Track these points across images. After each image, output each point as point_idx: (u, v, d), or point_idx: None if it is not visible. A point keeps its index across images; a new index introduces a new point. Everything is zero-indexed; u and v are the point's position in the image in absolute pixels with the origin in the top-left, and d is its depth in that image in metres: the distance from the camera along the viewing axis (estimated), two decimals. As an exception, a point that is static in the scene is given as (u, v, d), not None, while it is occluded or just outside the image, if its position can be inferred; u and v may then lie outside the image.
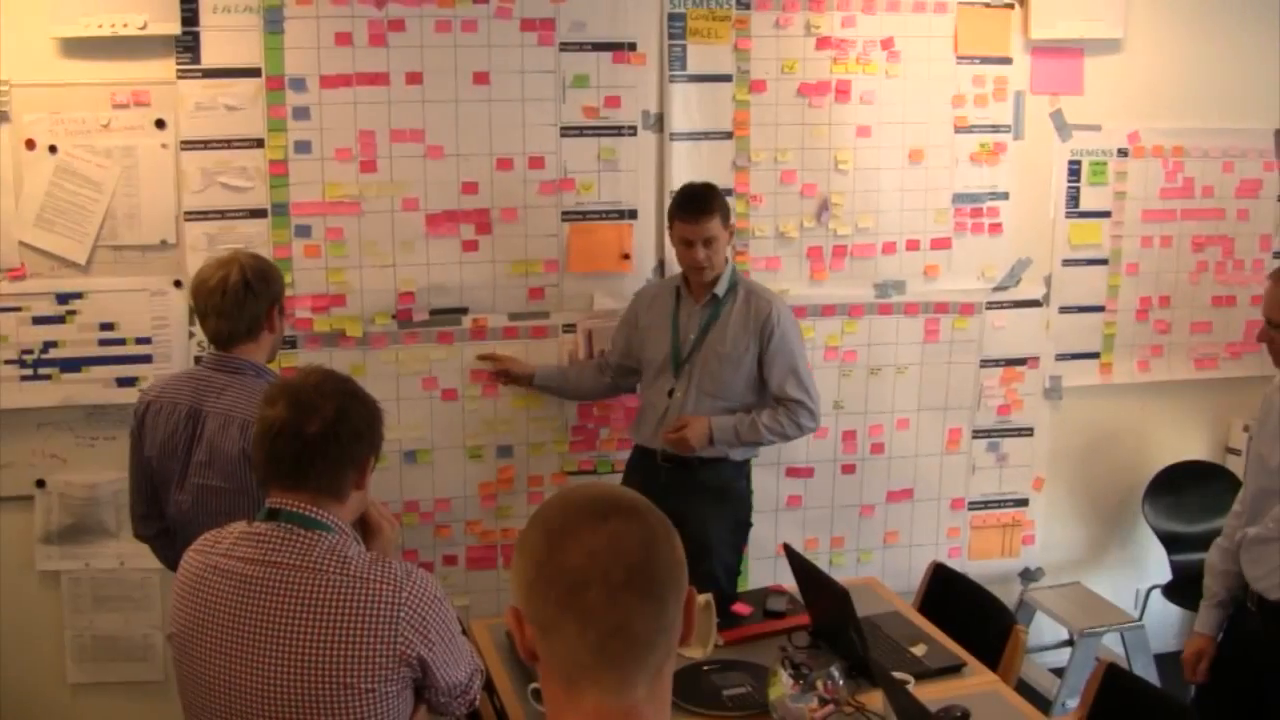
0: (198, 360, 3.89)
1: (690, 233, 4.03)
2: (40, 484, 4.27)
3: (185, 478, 3.20)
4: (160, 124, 4.13)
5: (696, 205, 4.03)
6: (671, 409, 4.18)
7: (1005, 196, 4.86)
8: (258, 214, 4.22)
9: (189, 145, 4.15)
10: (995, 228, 4.87)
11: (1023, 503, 5.14)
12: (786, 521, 4.85)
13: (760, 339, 4.13)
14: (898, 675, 3.21)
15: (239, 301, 3.21)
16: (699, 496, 4.16)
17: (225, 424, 3.14)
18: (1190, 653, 3.55)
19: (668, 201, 4.45)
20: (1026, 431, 5.09)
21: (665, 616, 1.49)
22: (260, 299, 3.25)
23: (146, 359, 4.23)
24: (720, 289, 4.16)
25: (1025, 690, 4.07)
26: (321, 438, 2.36)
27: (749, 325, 4.14)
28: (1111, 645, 4.90)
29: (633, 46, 4.45)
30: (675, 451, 4.14)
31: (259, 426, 2.41)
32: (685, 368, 4.18)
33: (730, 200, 4.55)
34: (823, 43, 4.59)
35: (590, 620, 1.45)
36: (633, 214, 4.54)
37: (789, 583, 3.90)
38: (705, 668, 3.38)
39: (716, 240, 4.05)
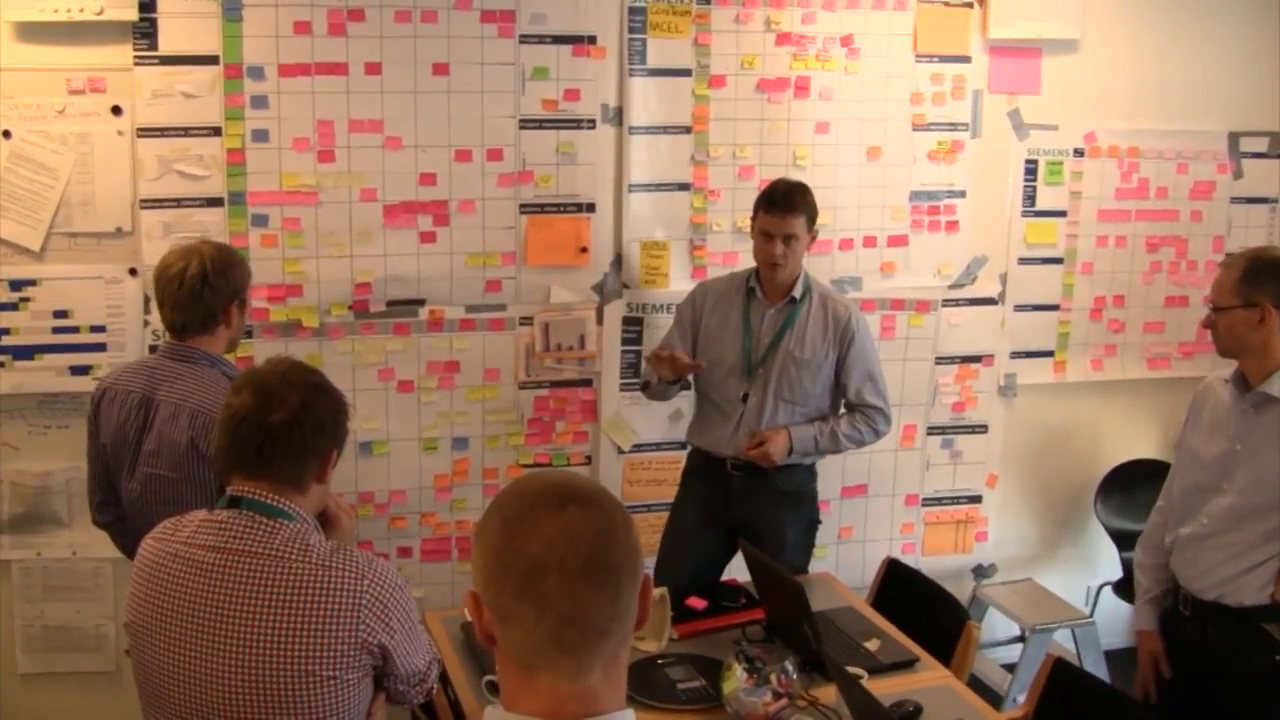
0: (154, 348, 3.86)
1: (772, 226, 3.93)
2: (-9, 472, 4.24)
3: (135, 466, 3.19)
4: (116, 111, 4.10)
5: (784, 201, 3.93)
6: (746, 414, 4.06)
7: (962, 195, 4.90)
8: (214, 203, 4.19)
9: (145, 132, 4.11)
10: (952, 225, 4.90)
11: (976, 499, 5.18)
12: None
13: (840, 345, 4.05)
14: (851, 670, 3.22)
15: (194, 294, 3.19)
16: (773, 502, 4.11)
17: (175, 413, 3.13)
18: (1145, 655, 3.48)
19: (626, 195, 4.46)
20: (980, 429, 5.13)
21: (620, 604, 1.51)
22: (218, 294, 3.22)
23: (100, 347, 4.19)
24: (797, 292, 4.06)
25: (977, 685, 4.10)
26: (285, 427, 2.36)
27: (828, 331, 4.05)
28: (1063, 641, 4.94)
29: (593, 40, 4.44)
30: (755, 463, 4.02)
31: (224, 414, 2.41)
32: (759, 371, 4.06)
33: (687, 195, 4.57)
34: (782, 39, 4.60)
35: (546, 607, 1.47)
36: (591, 207, 4.53)
37: (744, 577, 3.92)
38: (659, 661, 3.39)
39: (797, 239, 3.94)
